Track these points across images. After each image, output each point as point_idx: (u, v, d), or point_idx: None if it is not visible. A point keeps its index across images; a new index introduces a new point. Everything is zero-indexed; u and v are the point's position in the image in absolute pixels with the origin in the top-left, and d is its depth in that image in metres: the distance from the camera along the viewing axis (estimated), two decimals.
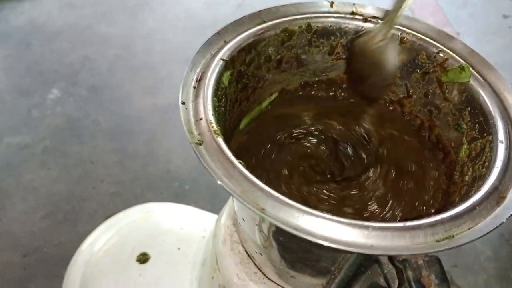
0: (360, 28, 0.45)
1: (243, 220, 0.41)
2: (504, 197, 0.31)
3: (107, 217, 0.79)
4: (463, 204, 0.31)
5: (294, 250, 0.37)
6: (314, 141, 0.46)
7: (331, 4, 0.45)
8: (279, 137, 0.45)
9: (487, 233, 0.29)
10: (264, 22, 0.43)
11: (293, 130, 0.46)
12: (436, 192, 0.40)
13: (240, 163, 0.30)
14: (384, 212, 0.39)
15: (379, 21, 0.45)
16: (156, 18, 1.61)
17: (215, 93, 0.36)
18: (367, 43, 0.44)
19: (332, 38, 0.45)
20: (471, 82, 0.40)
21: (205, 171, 0.30)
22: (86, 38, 1.51)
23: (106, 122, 1.26)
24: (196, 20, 1.59)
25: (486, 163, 0.35)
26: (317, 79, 0.48)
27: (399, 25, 0.44)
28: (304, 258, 0.38)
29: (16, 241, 1.00)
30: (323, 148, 0.45)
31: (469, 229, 0.29)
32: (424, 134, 0.45)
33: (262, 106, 0.46)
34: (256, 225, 0.37)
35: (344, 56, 0.47)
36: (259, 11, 0.43)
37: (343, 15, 0.45)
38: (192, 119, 0.33)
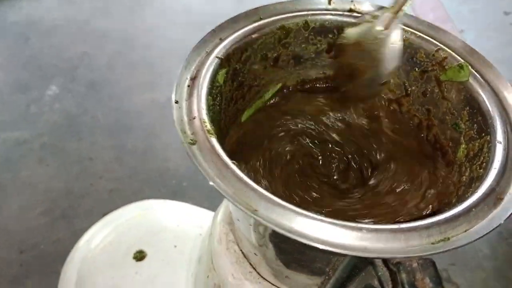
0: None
1: (238, 220, 0.40)
2: (502, 199, 0.31)
3: (105, 214, 0.78)
4: (459, 206, 0.30)
5: (288, 251, 0.37)
6: (311, 139, 0.45)
7: (329, 1, 0.45)
8: (275, 135, 0.44)
9: (483, 236, 0.29)
10: (261, 19, 0.42)
11: (290, 128, 0.45)
12: (433, 192, 0.40)
13: (234, 163, 0.30)
14: (381, 213, 0.39)
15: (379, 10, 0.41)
16: (155, 13, 1.60)
17: (210, 92, 0.36)
18: (365, 33, 0.40)
19: (330, 35, 0.45)
20: (470, 81, 0.39)
21: (198, 171, 0.29)
22: (85, 33, 1.50)
23: (104, 118, 1.26)
24: (196, 16, 1.58)
25: (484, 164, 0.35)
26: (314, 77, 0.47)
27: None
28: (299, 258, 0.37)
29: (13, 237, 1.00)
30: (320, 146, 0.45)
31: (465, 231, 0.29)
32: (422, 133, 0.44)
33: (265, 98, 0.46)
34: (251, 225, 0.37)
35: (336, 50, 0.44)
36: (256, 8, 0.43)
37: (341, 12, 0.44)
38: (185, 118, 0.33)
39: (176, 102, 0.34)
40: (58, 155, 1.16)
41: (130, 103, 1.30)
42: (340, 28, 0.44)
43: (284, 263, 0.39)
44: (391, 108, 0.46)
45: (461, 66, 0.40)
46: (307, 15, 0.44)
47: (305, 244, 0.27)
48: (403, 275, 0.27)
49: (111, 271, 0.68)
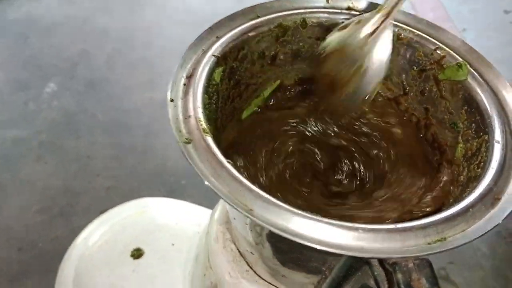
0: None
1: (234, 219, 0.40)
2: (499, 199, 0.30)
3: (102, 212, 0.78)
4: (456, 206, 0.30)
5: (284, 250, 0.37)
6: (308, 138, 0.45)
7: None
8: (273, 134, 0.44)
9: (480, 236, 0.28)
10: (258, 17, 0.42)
11: (288, 127, 0.45)
12: (431, 193, 0.39)
13: (229, 162, 0.30)
14: (378, 213, 0.39)
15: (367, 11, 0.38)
16: (155, 12, 1.59)
17: (206, 90, 0.36)
18: (348, 38, 0.34)
19: (328, 33, 0.44)
20: (469, 80, 0.39)
21: (193, 170, 0.29)
22: (85, 32, 1.50)
23: (103, 116, 1.25)
24: (196, 14, 1.57)
25: (482, 164, 0.35)
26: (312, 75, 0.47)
27: (395, 21, 0.42)
28: (295, 258, 0.37)
29: (11, 235, 1.00)
30: (319, 146, 0.45)
31: (463, 231, 0.29)
32: (420, 132, 0.44)
33: (264, 96, 0.45)
34: (247, 224, 0.37)
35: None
36: (253, 6, 0.42)
37: (339, 10, 0.44)
38: (180, 117, 0.32)
39: (172, 100, 0.33)
40: (56, 153, 1.16)
41: (129, 101, 1.29)
42: (338, 26, 0.43)
43: (280, 262, 0.39)
44: (389, 107, 0.46)
45: (459, 65, 0.40)
46: (305, 13, 0.43)
47: (301, 244, 0.27)
48: (399, 275, 0.26)
49: (108, 269, 0.68)
